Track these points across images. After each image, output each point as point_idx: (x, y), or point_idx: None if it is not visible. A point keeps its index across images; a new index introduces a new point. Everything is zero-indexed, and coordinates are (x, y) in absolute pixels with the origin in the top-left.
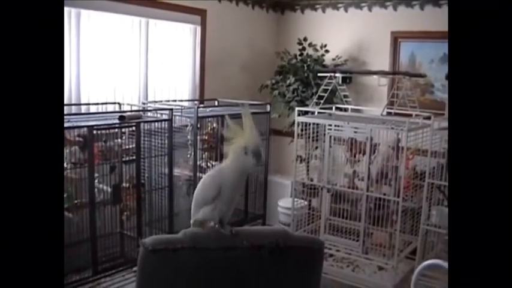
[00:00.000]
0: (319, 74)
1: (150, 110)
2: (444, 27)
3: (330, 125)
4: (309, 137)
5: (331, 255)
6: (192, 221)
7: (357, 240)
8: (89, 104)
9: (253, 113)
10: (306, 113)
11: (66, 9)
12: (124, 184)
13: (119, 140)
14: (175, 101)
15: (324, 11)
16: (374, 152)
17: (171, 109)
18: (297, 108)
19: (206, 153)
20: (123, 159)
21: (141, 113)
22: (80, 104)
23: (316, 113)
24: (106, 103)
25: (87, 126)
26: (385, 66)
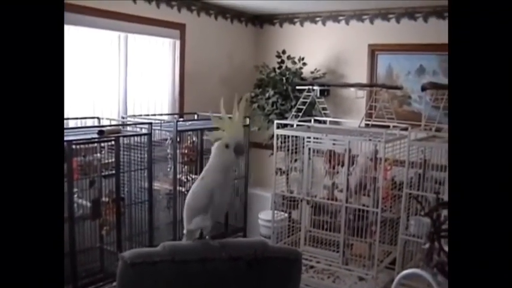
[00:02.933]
0: (297, 87)
1: (129, 124)
2: (420, 39)
3: (309, 138)
4: (288, 150)
5: (311, 267)
6: (185, 231)
7: (337, 252)
8: (68, 118)
9: None
10: (285, 125)
11: None
12: (103, 199)
13: (98, 154)
14: (154, 115)
15: (302, 25)
16: (352, 163)
17: (151, 123)
18: (275, 121)
19: (186, 166)
20: (103, 173)
21: (120, 127)
22: None
23: (295, 126)
24: (85, 118)
25: (66, 141)
26: (363, 78)
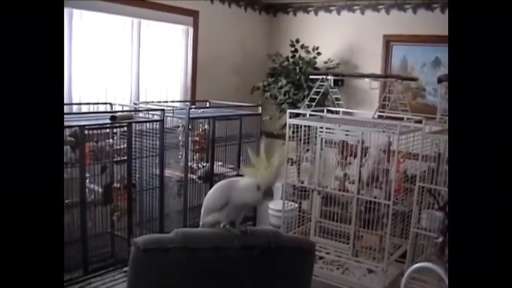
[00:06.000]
0: (311, 77)
1: (141, 111)
2: (437, 31)
3: (322, 128)
4: (300, 140)
5: (321, 258)
6: (201, 223)
7: (347, 243)
8: (80, 103)
9: (244, 115)
10: (297, 115)
11: None
12: (115, 184)
13: (110, 140)
14: (166, 102)
15: (316, 14)
16: (365, 155)
17: (163, 110)
18: (288, 110)
19: (197, 154)
20: (114, 159)
21: (132, 113)
22: (71, 104)
23: (307, 116)
24: (97, 103)
25: (79, 126)
26: (377, 69)
